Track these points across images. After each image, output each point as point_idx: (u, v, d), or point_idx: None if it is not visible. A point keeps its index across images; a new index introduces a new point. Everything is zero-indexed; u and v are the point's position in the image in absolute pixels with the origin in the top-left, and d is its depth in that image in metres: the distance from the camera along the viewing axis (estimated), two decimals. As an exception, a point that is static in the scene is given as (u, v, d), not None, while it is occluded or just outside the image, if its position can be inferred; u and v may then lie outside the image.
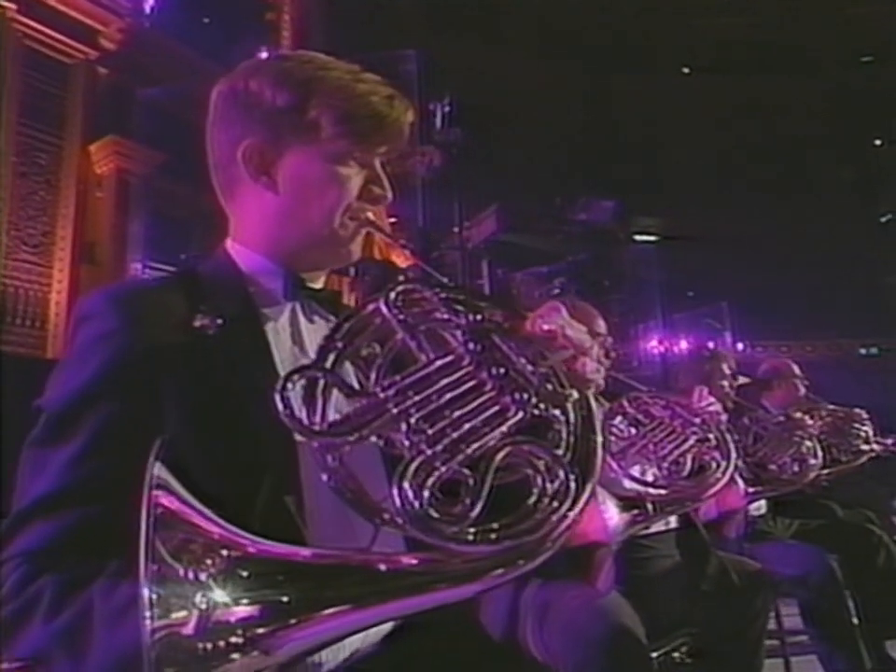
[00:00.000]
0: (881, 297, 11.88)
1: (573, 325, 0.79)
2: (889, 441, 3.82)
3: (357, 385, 0.87)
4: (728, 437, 1.72)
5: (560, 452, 0.74)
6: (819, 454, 2.56)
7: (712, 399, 1.80)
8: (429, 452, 0.67)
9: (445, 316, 0.79)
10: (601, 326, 2.03)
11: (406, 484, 0.64)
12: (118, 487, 0.71)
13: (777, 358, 3.60)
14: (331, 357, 0.75)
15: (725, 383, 2.79)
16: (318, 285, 0.95)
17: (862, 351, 12.50)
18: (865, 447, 3.33)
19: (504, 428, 0.71)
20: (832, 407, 3.42)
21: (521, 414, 0.72)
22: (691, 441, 1.69)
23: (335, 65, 0.91)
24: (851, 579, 2.42)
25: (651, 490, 1.60)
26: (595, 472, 0.74)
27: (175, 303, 0.81)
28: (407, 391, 0.70)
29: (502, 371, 0.73)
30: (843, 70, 11.55)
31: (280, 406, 0.66)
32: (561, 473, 0.71)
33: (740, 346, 10.18)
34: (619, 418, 1.82)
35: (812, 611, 2.36)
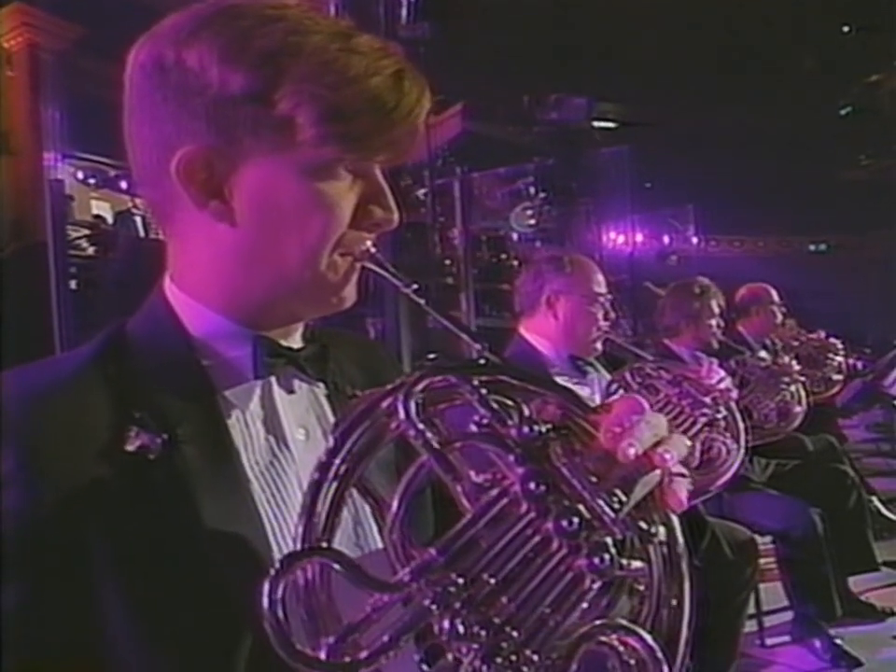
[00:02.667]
0: (834, 193, 11.86)
1: (665, 434, 0.57)
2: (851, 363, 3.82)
3: (369, 522, 0.67)
4: (739, 419, 1.57)
5: (643, 618, 0.55)
6: (804, 400, 2.49)
7: (723, 374, 1.63)
8: (485, 670, 0.47)
9: (486, 421, 0.57)
10: (601, 283, 1.81)
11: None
12: None
13: (756, 284, 3.47)
14: (332, 492, 0.53)
15: (713, 322, 2.66)
16: (297, 341, 0.69)
17: (812, 247, 12.67)
18: (837, 377, 3.30)
19: (584, 605, 0.51)
20: (811, 336, 3.36)
21: (599, 583, 0.52)
22: (699, 425, 1.53)
23: (315, 25, 0.59)
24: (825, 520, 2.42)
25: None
26: (684, 641, 0.56)
27: (96, 414, 0.55)
28: (447, 572, 0.49)
29: (575, 521, 0.52)
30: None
31: (269, 623, 0.44)
32: (648, 657, 0.52)
33: (695, 240, 10.16)
34: (621, 392, 1.65)
35: (790, 563, 2.36)
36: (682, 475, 0.59)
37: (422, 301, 0.67)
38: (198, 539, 0.55)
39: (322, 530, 0.51)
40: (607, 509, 0.53)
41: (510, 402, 0.59)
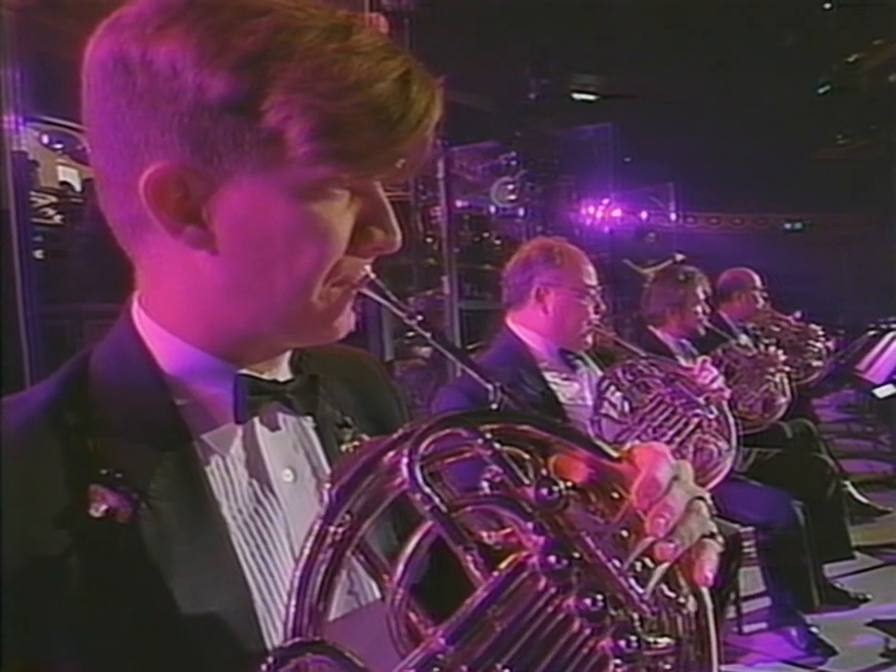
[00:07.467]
0: (810, 172, 11.89)
1: (695, 491, 0.52)
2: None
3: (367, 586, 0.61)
4: (731, 420, 1.55)
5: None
6: (788, 391, 2.48)
7: (716, 373, 1.60)
8: None
9: (498, 479, 0.51)
10: (592, 275, 1.76)
11: None
12: None
13: (738, 268, 3.44)
14: (327, 562, 0.47)
15: (699, 308, 2.63)
16: (283, 370, 0.62)
17: (787, 226, 12.74)
18: (817, 363, 3.31)
19: (607, 692, 0.47)
20: (792, 321, 3.35)
21: (626, 668, 0.47)
22: (692, 426, 1.50)
23: (308, 20, 0.51)
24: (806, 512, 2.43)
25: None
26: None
27: (53, 473, 0.49)
28: (457, 662, 0.44)
29: (599, 599, 0.47)
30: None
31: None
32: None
33: (673, 217, 10.15)
34: (612, 389, 1.61)
35: (770, 553, 2.36)
36: (713, 534, 0.55)
37: (427, 335, 0.61)
38: (174, 615, 0.48)
39: (315, 612, 0.45)
40: (634, 583, 0.48)
41: (524, 454, 0.54)
